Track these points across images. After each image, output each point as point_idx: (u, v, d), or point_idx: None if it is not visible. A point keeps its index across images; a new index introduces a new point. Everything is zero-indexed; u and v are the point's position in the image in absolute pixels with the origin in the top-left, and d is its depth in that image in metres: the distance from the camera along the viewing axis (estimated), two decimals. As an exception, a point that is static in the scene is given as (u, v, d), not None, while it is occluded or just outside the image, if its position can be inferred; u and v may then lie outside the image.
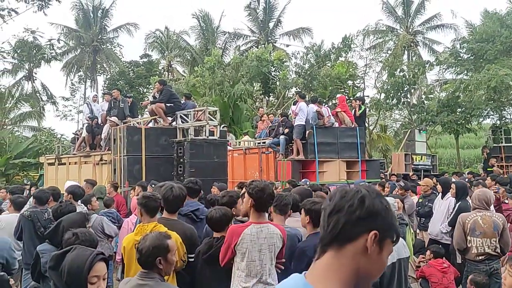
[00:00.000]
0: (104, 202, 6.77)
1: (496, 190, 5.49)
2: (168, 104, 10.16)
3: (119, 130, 9.55)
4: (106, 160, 10.25)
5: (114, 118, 10.79)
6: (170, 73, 32.68)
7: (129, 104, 11.54)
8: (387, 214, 1.28)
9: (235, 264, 3.32)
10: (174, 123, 10.18)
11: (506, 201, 5.86)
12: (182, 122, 9.93)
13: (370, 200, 1.26)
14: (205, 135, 9.52)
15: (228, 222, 3.63)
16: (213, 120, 9.95)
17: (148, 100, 13.71)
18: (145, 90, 30.46)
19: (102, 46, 36.50)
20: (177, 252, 3.32)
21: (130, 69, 31.81)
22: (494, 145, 18.96)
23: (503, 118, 21.10)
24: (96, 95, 13.63)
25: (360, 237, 1.23)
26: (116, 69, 34.68)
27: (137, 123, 10.57)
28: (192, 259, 3.72)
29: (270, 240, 3.29)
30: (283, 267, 3.52)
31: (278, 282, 3.37)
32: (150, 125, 10.73)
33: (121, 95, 11.71)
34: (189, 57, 32.68)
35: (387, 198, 3.35)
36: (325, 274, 1.24)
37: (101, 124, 11.54)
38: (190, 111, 9.92)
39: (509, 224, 5.29)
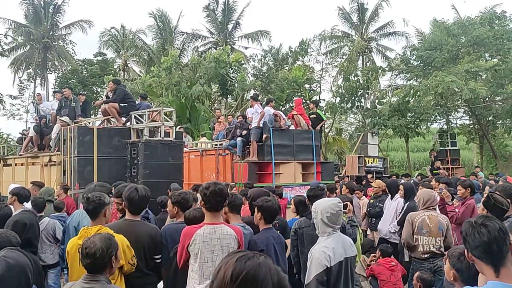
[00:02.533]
0: (55, 206, 6.45)
1: (440, 191, 5.75)
2: (122, 104, 9.91)
3: (70, 130, 9.22)
4: (55, 161, 9.85)
5: (65, 118, 10.40)
6: (125, 73, 31.97)
7: (81, 103, 11.19)
8: None
9: (190, 266, 3.29)
10: (128, 123, 9.95)
11: (450, 203, 6.14)
12: (137, 123, 9.71)
13: None
14: (160, 136, 9.36)
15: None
16: (168, 121, 9.81)
17: (101, 99, 13.32)
18: (99, 90, 29.65)
19: (54, 43, 35.03)
20: (124, 255, 3.26)
21: (83, 68, 30.82)
22: (441, 148, 19.96)
23: (449, 123, 22.24)
24: (39, 93, 13.02)
25: None
26: (68, 67, 33.48)
27: (89, 123, 10.25)
28: (159, 260, 3.70)
29: (223, 240, 3.26)
30: None
31: None
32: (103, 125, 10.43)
33: (73, 94, 11.33)
34: (145, 57, 32.09)
35: (333, 199, 3.45)
36: None
37: (50, 124, 11.10)
38: (145, 112, 9.74)
39: (452, 224, 5.55)
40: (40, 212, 5.65)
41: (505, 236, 2.00)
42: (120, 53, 32.46)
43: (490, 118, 21.08)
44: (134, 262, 3.36)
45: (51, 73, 36.45)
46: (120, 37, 33.02)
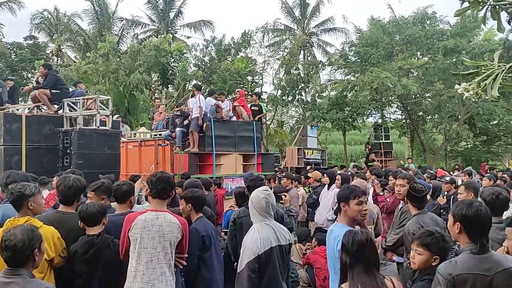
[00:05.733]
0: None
1: (372, 182, 6.01)
2: (54, 91, 9.37)
3: (-5, 117, 8.58)
4: (-22, 150, 9.14)
5: (-11, 104, 9.69)
6: (59, 58, 30.24)
7: (9, 89, 10.46)
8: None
9: (130, 254, 3.19)
10: (60, 111, 9.45)
11: (381, 193, 6.43)
12: (70, 111, 9.26)
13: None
14: (95, 125, 8.99)
15: (103, 215, 3.44)
16: (104, 110, 9.43)
17: (31, 85, 12.52)
18: (29, 75, 27.87)
19: (-22, 24, 32.35)
20: (54, 248, 3.10)
21: (11, 51, 28.77)
22: (375, 141, 20.89)
23: (384, 117, 23.32)
24: None
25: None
26: (-5, 50, 31.07)
27: (17, 110, 9.60)
28: None
29: (165, 228, 3.20)
30: (185, 263, 3.47)
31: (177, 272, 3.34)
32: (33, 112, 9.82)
33: (0, 78, 10.54)
34: (81, 42, 30.52)
35: (264, 188, 3.51)
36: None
37: (-27, 110, 10.28)
38: (79, 99, 9.29)
39: (383, 214, 5.83)
40: None
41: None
42: (54, 37, 30.62)
43: (420, 114, 22.36)
44: (65, 255, 3.21)
45: (-25, 56, 33.69)
46: (54, 21, 31.09)
